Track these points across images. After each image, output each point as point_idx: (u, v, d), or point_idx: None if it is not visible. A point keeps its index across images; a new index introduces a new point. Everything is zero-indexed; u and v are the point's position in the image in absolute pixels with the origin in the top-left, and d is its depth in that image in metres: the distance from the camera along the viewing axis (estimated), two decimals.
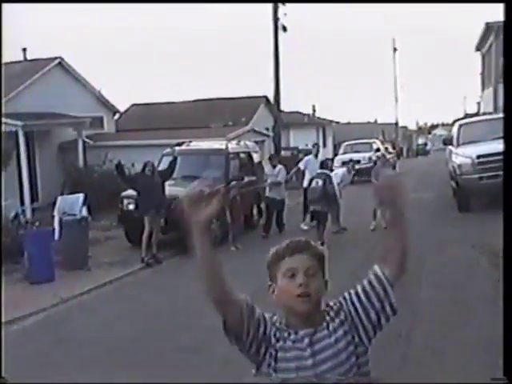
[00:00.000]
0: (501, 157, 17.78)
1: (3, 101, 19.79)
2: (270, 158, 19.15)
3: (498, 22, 29.25)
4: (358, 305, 2.65)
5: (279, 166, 17.90)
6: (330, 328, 2.63)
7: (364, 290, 2.66)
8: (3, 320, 9.61)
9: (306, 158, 19.36)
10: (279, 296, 2.66)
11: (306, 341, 2.60)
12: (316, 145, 20.91)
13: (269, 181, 17.72)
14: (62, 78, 26.59)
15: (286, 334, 2.63)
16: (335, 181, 16.32)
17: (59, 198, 15.88)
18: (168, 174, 15.20)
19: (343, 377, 2.56)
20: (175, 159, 15.42)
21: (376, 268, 2.69)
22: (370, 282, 2.67)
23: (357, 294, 2.68)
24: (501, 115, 23.79)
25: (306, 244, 2.71)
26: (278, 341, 2.62)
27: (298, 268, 2.62)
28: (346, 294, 2.71)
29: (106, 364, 7.93)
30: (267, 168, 18.51)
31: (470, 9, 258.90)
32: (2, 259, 12.77)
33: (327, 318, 2.66)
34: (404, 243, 2.68)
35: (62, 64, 26.71)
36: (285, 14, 27.56)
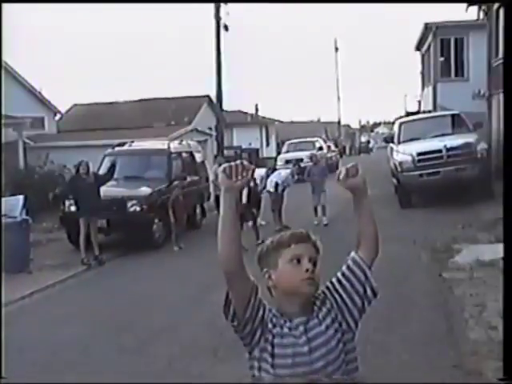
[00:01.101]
0: (440, 154, 18.20)
1: (3, 101, 19.48)
2: (215, 157, 19.18)
3: (437, 22, 29.83)
4: (341, 291, 2.77)
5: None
6: (320, 316, 2.74)
7: (345, 276, 2.79)
8: None
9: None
10: (282, 280, 2.73)
11: (301, 328, 2.70)
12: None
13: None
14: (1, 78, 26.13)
15: (282, 321, 2.72)
16: (276, 180, 16.61)
17: None
18: (106, 178, 15.08)
19: (333, 363, 2.67)
20: (113, 165, 15.30)
21: (353, 254, 2.83)
22: (349, 268, 2.80)
23: (339, 281, 2.80)
24: (440, 113, 24.30)
25: (308, 235, 2.82)
26: (274, 326, 2.71)
27: (303, 255, 2.73)
28: (329, 284, 2.82)
29: (48, 367, 7.83)
30: (214, 167, 18.53)
31: (410, 8, 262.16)
32: None
33: (315, 307, 2.76)
34: (374, 226, 2.85)
35: (0, 63, 26.23)
36: (227, 14, 27.52)
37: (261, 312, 2.70)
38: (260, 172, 17.50)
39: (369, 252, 2.83)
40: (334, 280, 2.81)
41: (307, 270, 2.68)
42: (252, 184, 15.19)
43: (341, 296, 2.77)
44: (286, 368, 2.66)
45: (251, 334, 2.71)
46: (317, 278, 2.72)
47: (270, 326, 2.70)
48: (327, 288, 2.81)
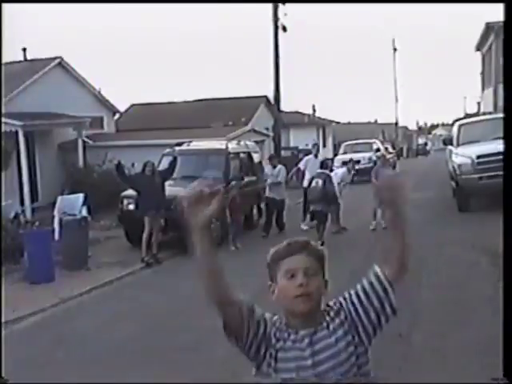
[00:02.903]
0: (500, 157, 17.83)
1: (3, 101, 19.80)
2: (270, 158, 19.15)
3: (498, 21, 29.22)
4: (357, 305, 2.66)
5: (279, 166, 17.90)
6: (330, 328, 2.63)
7: (364, 290, 2.66)
8: (3, 320, 9.60)
9: (306, 157, 19.36)
10: (279, 296, 2.67)
11: (306, 341, 2.61)
12: (316, 145, 20.95)
13: (269, 181, 17.71)
14: (61, 78, 26.57)
15: (286, 335, 2.64)
16: (335, 181, 16.30)
17: (59, 198, 15.89)
18: (168, 173, 15.19)
19: (343, 377, 2.56)
20: (175, 159, 15.40)
21: (376, 268, 2.70)
22: (369, 282, 2.67)
23: (357, 293, 2.68)
24: (501, 115, 23.84)
25: (305, 244, 2.71)
26: (278, 341, 2.63)
27: (297, 268, 2.62)
28: (346, 294, 2.72)
29: (106, 364, 7.93)
30: (267, 168, 18.50)
31: (470, 8, 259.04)
32: (2, 259, 12.75)
33: (327, 317, 2.66)
34: (404, 243, 2.67)
35: (61, 64, 26.69)
36: (285, 14, 27.56)
37: (262, 329, 2.63)
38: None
39: (395, 270, 2.66)
40: (352, 292, 2.71)
41: (301, 285, 2.58)
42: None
43: (356, 309, 2.65)
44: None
45: (256, 352, 2.64)
46: (315, 292, 2.61)
47: (273, 340, 2.63)
48: (344, 299, 2.71)
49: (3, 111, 19.12)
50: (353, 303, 2.67)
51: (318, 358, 2.58)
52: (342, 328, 2.64)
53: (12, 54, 27.07)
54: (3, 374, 6.58)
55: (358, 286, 2.70)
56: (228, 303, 2.62)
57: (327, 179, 15.28)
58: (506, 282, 4.70)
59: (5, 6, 12.45)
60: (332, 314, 2.67)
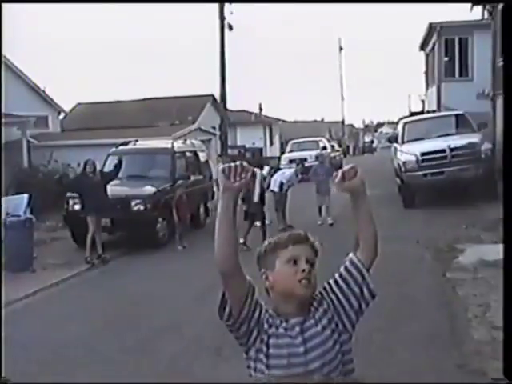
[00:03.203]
0: (444, 154, 18.19)
1: (3, 100, 19.49)
2: (219, 156, 19.18)
3: (441, 22, 29.81)
4: (338, 292, 2.77)
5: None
6: (316, 317, 2.73)
7: (342, 278, 2.78)
8: None
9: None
10: (278, 281, 2.72)
11: (297, 329, 2.69)
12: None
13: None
14: (5, 77, 26.03)
15: (278, 322, 2.71)
16: (281, 179, 16.55)
17: (3, 199, 15.63)
18: (112, 174, 15.06)
19: (330, 364, 2.66)
20: (120, 162, 15.26)
21: (351, 255, 2.82)
22: (346, 269, 2.78)
23: (336, 282, 2.79)
24: (444, 113, 24.28)
25: (306, 236, 2.83)
26: (270, 327, 2.70)
27: (300, 256, 2.73)
28: (326, 284, 2.82)
29: (52, 366, 7.85)
30: (218, 166, 18.48)
31: (414, 8, 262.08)
32: None
33: (312, 308, 2.75)
34: (373, 227, 2.82)
35: (4, 62, 26.23)
36: (231, 13, 27.51)
37: (257, 313, 2.69)
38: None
39: (367, 253, 2.81)
40: (331, 281, 2.81)
41: (304, 271, 2.67)
42: (263, 183, 15.21)
43: (337, 297, 2.76)
44: (281, 369, 2.65)
45: (247, 335, 2.71)
46: (313, 280, 2.71)
47: (265, 326, 2.70)
48: (324, 289, 2.80)
49: (4, 111, 18.78)
50: (333, 292, 2.77)
51: (309, 346, 2.67)
52: (326, 317, 2.74)
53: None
54: (3, 374, 6.54)
55: (336, 275, 2.81)
56: (237, 274, 2.67)
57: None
58: (506, 283, 4.78)
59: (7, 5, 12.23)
60: (315, 304, 2.76)
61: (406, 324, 8.47)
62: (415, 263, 12.04)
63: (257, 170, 15.39)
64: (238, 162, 2.65)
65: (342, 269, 2.80)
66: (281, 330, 2.69)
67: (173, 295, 10.90)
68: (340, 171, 2.77)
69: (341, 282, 2.77)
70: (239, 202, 3.04)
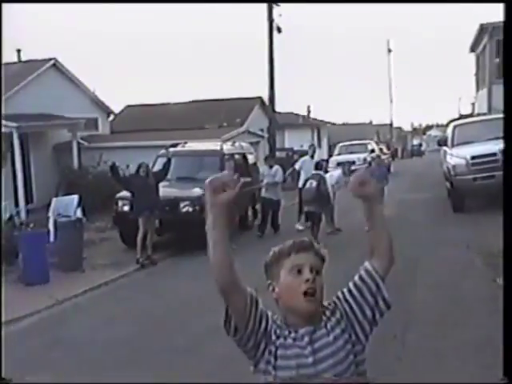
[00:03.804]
0: (495, 157, 17.90)
1: (3, 101, 19.79)
2: (266, 159, 19.16)
3: (493, 23, 29.32)
4: (352, 302, 2.69)
5: (276, 167, 17.91)
6: (328, 327, 2.65)
7: (356, 287, 2.71)
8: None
9: (302, 158, 19.35)
10: (283, 293, 2.68)
11: (306, 339, 2.62)
12: (312, 146, 20.95)
13: (265, 181, 17.70)
14: (56, 80, 26.55)
15: (286, 332, 2.65)
16: (330, 182, 16.32)
17: (54, 200, 15.88)
18: (162, 175, 15.17)
19: (342, 375, 2.58)
20: (169, 161, 15.37)
21: (366, 263, 2.74)
22: (361, 278, 2.71)
23: (350, 291, 2.72)
24: (495, 116, 23.88)
25: (310, 243, 2.75)
26: (278, 338, 2.64)
27: (304, 265, 2.65)
28: (340, 294, 2.75)
29: (102, 365, 7.92)
30: (263, 168, 18.50)
31: (464, 9, 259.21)
32: None
33: (324, 317, 2.68)
34: (387, 235, 2.75)
35: (56, 65, 26.66)
36: (280, 15, 27.53)
37: (263, 324, 2.64)
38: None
39: (382, 261, 2.72)
40: (345, 290, 2.74)
41: (307, 281, 2.61)
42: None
43: (351, 307, 2.69)
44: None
45: (255, 348, 2.65)
46: (319, 291, 2.63)
47: (273, 337, 2.64)
48: (337, 298, 2.74)
49: (3, 111, 19.08)
50: (347, 301, 2.70)
51: (318, 356, 2.59)
52: (339, 326, 2.66)
53: (7, 56, 26.99)
54: (3, 375, 6.60)
55: (350, 284, 2.74)
56: (236, 289, 2.63)
57: (321, 180, 15.30)
58: (506, 283, 4.71)
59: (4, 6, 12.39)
60: (328, 313, 2.69)
61: (456, 331, 8.36)
62: (465, 268, 11.87)
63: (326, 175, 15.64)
64: (224, 174, 2.62)
65: (356, 277, 2.73)
66: (289, 341, 2.63)
67: (220, 297, 10.90)
68: (353, 177, 2.72)
69: (354, 291, 2.70)
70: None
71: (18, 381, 6.89)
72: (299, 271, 2.64)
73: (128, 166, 18.82)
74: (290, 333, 2.64)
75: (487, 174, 17.86)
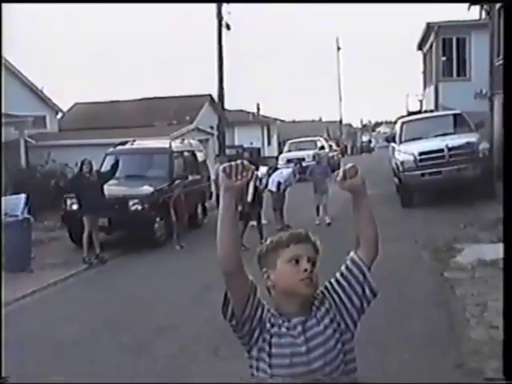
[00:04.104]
0: (442, 153, 18.20)
1: (3, 101, 19.47)
2: (217, 156, 19.19)
3: (439, 22, 29.81)
4: (340, 291, 2.77)
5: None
6: (318, 316, 2.73)
7: (343, 276, 2.79)
8: None
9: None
10: (280, 280, 2.73)
11: (299, 328, 2.69)
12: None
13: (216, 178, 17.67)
14: (3, 77, 26.11)
15: (280, 321, 2.71)
16: (279, 179, 16.54)
17: (1, 199, 15.62)
18: (109, 174, 15.04)
19: (331, 363, 2.66)
20: (117, 162, 15.24)
21: (352, 253, 2.83)
22: (347, 268, 2.80)
23: (337, 281, 2.80)
24: (442, 113, 24.28)
25: (308, 235, 2.82)
26: (272, 326, 2.70)
27: (302, 255, 2.72)
28: (327, 284, 2.82)
29: (49, 366, 7.84)
30: (216, 166, 18.52)
31: (411, 8, 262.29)
32: None
33: (313, 307, 2.75)
34: (373, 225, 2.84)
35: (2, 62, 26.22)
36: (229, 13, 27.49)
37: (259, 312, 2.69)
38: (262, 170, 17.47)
39: (368, 252, 2.82)
40: (332, 280, 2.82)
41: (305, 270, 2.68)
42: (257, 183, 15.19)
43: (339, 296, 2.76)
44: (284, 368, 2.66)
45: (249, 334, 2.71)
46: (315, 279, 2.71)
47: (268, 325, 2.70)
48: (326, 288, 2.81)
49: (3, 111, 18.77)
50: (335, 291, 2.78)
51: (311, 345, 2.67)
52: (328, 316, 2.74)
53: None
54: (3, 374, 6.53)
55: (337, 274, 2.82)
56: (239, 273, 2.66)
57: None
58: (506, 283, 4.79)
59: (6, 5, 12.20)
60: (317, 303, 2.77)
61: (404, 323, 8.46)
62: (413, 263, 12.03)
63: None
64: (238, 161, 2.64)
65: (343, 267, 2.81)
66: (283, 330, 2.69)
67: (171, 295, 10.89)
68: (341, 170, 2.78)
69: (342, 281, 2.78)
70: None
71: None
72: (297, 261, 2.71)
73: (77, 165, 18.64)
74: (283, 322, 2.71)
75: (434, 170, 18.14)
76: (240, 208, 14.69)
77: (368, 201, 2.84)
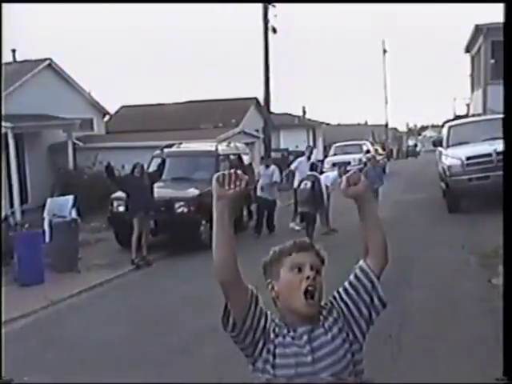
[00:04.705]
0: (490, 158, 17.93)
1: (3, 101, 19.75)
2: (262, 159, 19.19)
3: (488, 23, 29.37)
4: (348, 301, 2.71)
5: (273, 167, 17.94)
6: (326, 326, 2.67)
7: (352, 286, 2.73)
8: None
9: (298, 159, 19.37)
10: (283, 291, 2.69)
11: (305, 338, 2.63)
12: (309, 147, 20.98)
13: (261, 181, 17.70)
14: (51, 80, 26.48)
15: (284, 331, 2.66)
16: (325, 183, 16.36)
17: (49, 200, 15.86)
18: (157, 175, 15.16)
19: (340, 374, 2.60)
20: (163, 162, 15.36)
21: (361, 262, 2.77)
22: (356, 277, 2.73)
23: (346, 290, 2.74)
24: (490, 117, 23.94)
25: (311, 244, 2.79)
26: (277, 336, 2.65)
27: (305, 262, 2.67)
28: (336, 293, 2.76)
29: (96, 365, 7.92)
30: (260, 168, 18.54)
31: (459, 10, 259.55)
32: None
33: (321, 316, 2.69)
34: (382, 234, 2.77)
35: (51, 65, 26.58)
36: (275, 16, 27.55)
37: (262, 322, 2.65)
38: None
39: (377, 260, 2.74)
40: (340, 289, 2.76)
41: (308, 278, 2.63)
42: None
43: (347, 306, 2.71)
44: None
45: (253, 346, 2.66)
46: (318, 292, 2.65)
47: (272, 336, 2.65)
48: (334, 297, 2.76)
49: (3, 112, 19.05)
50: (343, 300, 2.72)
51: (317, 355, 2.60)
52: (336, 326, 2.67)
53: (3, 55, 26.95)
54: (3, 374, 6.60)
55: (346, 283, 2.76)
56: (237, 284, 2.62)
57: (316, 181, 15.36)
58: (506, 282, 4.71)
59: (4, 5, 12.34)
60: (325, 312, 2.71)
61: (450, 330, 8.37)
62: (460, 269, 11.88)
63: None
64: (232, 170, 2.61)
65: (351, 277, 2.75)
66: (288, 339, 2.64)
67: (217, 297, 10.88)
68: (344, 177, 2.75)
69: (350, 290, 2.72)
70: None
71: (17, 381, 6.88)
72: (300, 269, 2.66)
73: (123, 167, 18.83)
74: (288, 331, 2.65)
75: (482, 175, 17.88)
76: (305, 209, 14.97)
77: (374, 207, 2.82)
